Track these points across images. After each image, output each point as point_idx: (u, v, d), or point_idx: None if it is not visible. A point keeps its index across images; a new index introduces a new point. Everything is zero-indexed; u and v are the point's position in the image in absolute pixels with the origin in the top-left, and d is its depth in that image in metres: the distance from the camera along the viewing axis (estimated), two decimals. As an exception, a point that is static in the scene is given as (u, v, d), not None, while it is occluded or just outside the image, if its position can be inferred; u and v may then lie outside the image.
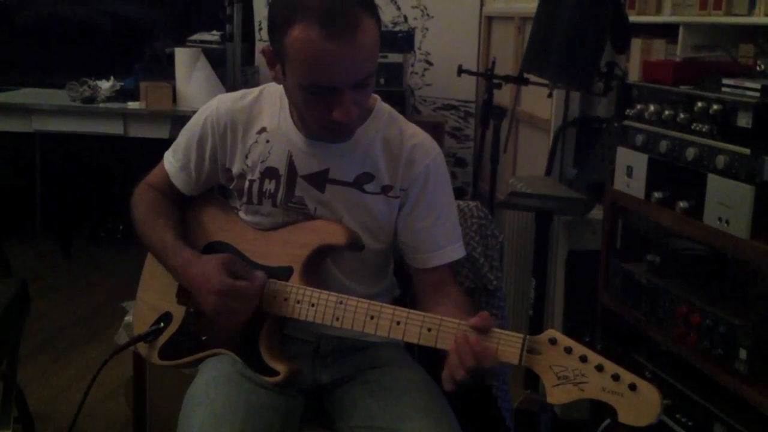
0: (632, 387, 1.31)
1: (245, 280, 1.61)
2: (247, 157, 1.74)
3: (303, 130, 1.70)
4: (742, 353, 1.85)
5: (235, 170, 1.76)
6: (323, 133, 1.64)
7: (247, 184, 1.74)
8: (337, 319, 1.57)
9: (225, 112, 1.75)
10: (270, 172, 1.72)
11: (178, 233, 1.77)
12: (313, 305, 1.60)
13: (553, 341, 1.38)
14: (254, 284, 1.61)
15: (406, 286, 1.90)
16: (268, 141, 1.72)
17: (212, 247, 1.79)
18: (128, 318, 2.43)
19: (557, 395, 1.36)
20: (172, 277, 1.76)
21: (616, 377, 1.32)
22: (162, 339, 1.80)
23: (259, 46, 5.08)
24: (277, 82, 1.61)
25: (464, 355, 1.41)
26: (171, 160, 1.85)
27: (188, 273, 1.67)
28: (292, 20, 1.46)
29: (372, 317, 1.54)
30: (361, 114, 1.62)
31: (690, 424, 2.07)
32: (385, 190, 1.70)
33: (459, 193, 4.74)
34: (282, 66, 1.55)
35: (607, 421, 2.21)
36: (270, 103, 1.75)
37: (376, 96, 1.76)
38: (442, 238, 1.73)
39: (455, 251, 1.75)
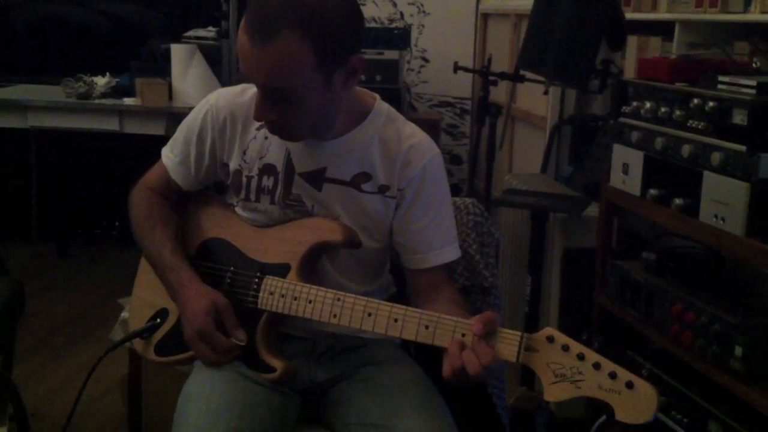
0: (629, 385, 1.31)
1: (226, 334, 1.64)
2: (245, 153, 1.74)
3: None
4: (738, 351, 1.85)
5: (232, 166, 1.76)
6: None
7: (244, 180, 1.74)
8: (335, 316, 1.57)
9: (224, 107, 1.75)
10: (268, 169, 1.72)
11: (176, 246, 1.76)
12: (310, 302, 1.60)
13: (550, 339, 1.38)
14: (230, 342, 1.64)
15: (402, 283, 1.90)
16: (266, 137, 1.72)
17: (209, 244, 1.79)
18: (124, 314, 2.43)
19: (554, 393, 1.37)
20: (165, 289, 1.77)
21: (613, 375, 1.33)
22: (158, 335, 1.80)
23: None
24: None
25: (468, 361, 1.41)
26: (169, 155, 1.84)
27: (181, 295, 1.69)
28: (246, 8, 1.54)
29: (369, 314, 1.54)
30: (291, 129, 1.62)
31: (685, 421, 2.07)
32: (382, 189, 1.70)
33: (455, 191, 4.75)
34: None
35: (603, 418, 2.21)
36: (269, 99, 1.75)
37: (375, 95, 1.76)
38: (437, 240, 1.73)
39: (450, 253, 1.75)
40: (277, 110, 1.56)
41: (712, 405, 2.00)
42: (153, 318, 1.81)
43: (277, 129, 1.63)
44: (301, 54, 1.49)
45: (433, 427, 1.57)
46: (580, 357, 1.35)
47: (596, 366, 1.34)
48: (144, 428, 2.47)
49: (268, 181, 1.72)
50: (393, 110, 1.76)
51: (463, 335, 1.45)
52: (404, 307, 1.52)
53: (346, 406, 1.68)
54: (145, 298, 1.86)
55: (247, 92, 1.76)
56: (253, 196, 1.74)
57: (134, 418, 2.49)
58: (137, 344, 1.84)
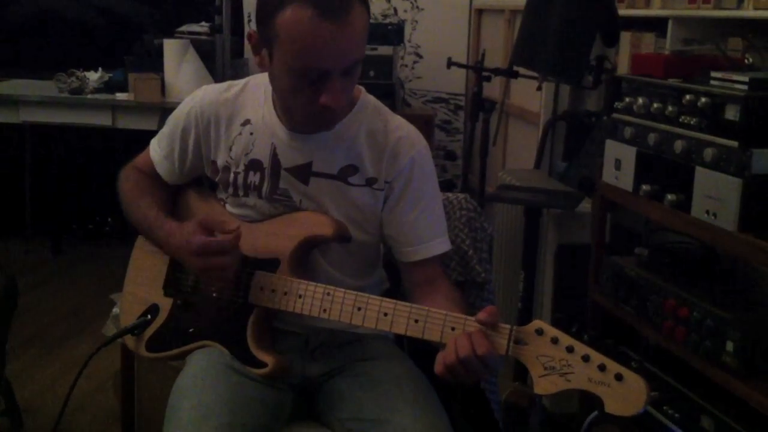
0: (618, 377, 1.31)
1: (221, 233, 1.63)
2: (231, 149, 1.74)
3: (286, 123, 1.69)
4: (730, 346, 1.86)
5: (220, 162, 1.76)
6: (308, 121, 1.63)
7: (232, 176, 1.74)
8: (325, 311, 1.57)
9: (209, 104, 1.75)
10: (254, 165, 1.72)
11: (162, 208, 1.78)
12: (300, 297, 1.60)
13: (539, 332, 1.38)
14: (229, 237, 1.62)
15: (395, 279, 1.90)
16: (251, 133, 1.72)
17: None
18: (116, 310, 2.42)
19: (543, 386, 1.36)
20: (163, 251, 1.77)
21: (602, 368, 1.32)
22: (149, 331, 1.80)
23: (249, 38, 5.07)
24: (262, 68, 1.61)
25: (461, 345, 1.41)
26: (156, 149, 1.85)
27: (172, 244, 1.70)
28: (285, 2, 1.47)
29: (359, 308, 1.54)
30: (347, 103, 1.62)
31: (677, 416, 2.08)
32: (370, 182, 1.70)
33: (449, 186, 4.75)
34: (269, 50, 1.54)
35: (595, 413, 2.22)
36: (254, 95, 1.75)
37: (361, 87, 1.75)
38: (426, 232, 1.72)
39: (440, 245, 1.74)
40: (347, 89, 1.57)
41: (705, 400, 2.00)
42: (144, 314, 1.81)
43: (338, 113, 1.62)
44: (367, 21, 1.53)
45: (427, 422, 1.57)
46: (569, 349, 1.35)
47: (585, 358, 1.34)
48: (137, 423, 2.46)
49: (254, 177, 1.72)
50: (379, 102, 1.76)
51: (453, 329, 1.45)
52: (394, 301, 1.52)
53: (340, 401, 1.68)
54: (136, 294, 1.86)
55: (231, 89, 1.76)
56: (241, 192, 1.74)
57: (127, 413, 2.49)
58: (128, 341, 1.84)
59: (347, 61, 1.52)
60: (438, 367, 1.44)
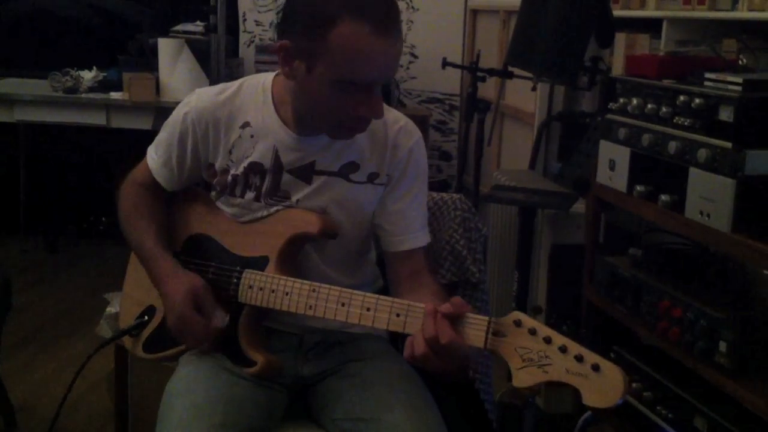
0: (596, 368, 1.27)
1: (205, 317, 1.64)
2: (230, 152, 1.73)
3: (291, 125, 1.69)
4: (723, 346, 1.86)
5: (218, 165, 1.75)
6: (338, 130, 1.64)
7: (230, 178, 1.73)
8: (310, 308, 1.57)
9: (205, 108, 1.74)
10: (254, 167, 1.71)
11: (159, 237, 1.77)
12: (287, 294, 1.60)
13: (518, 323, 1.35)
14: (209, 325, 1.64)
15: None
16: (252, 136, 1.71)
17: (194, 240, 1.78)
18: (109, 309, 2.42)
19: (522, 378, 1.33)
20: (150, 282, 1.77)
21: (579, 358, 1.29)
22: (146, 332, 1.80)
23: (244, 37, 5.06)
24: (289, 77, 1.60)
25: (426, 327, 1.41)
26: (153, 156, 1.83)
27: (161, 286, 1.70)
28: (338, 17, 1.49)
29: (343, 304, 1.54)
30: None
31: (671, 416, 2.08)
32: (372, 177, 1.71)
33: (443, 187, 4.75)
34: (309, 63, 1.54)
35: (588, 413, 2.22)
36: (251, 97, 1.74)
37: None
38: (415, 222, 1.74)
39: (425, 236, 1.77)
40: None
41: (698, 400, 2.01)
42: (141, 315, 1.81)
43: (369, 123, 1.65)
44: None
45: (420, 422, 1.57)
46: (547, 340, 1.32)
47: (562, 349, 1.30)
48: (130, 423, 2.46)
49: (254, 179, 1.72)
50: None
51: None
52: (376, 296, 1.52)
53: (333, 401, 1.68)
54: (133, 295, 1.87)
55: (226, 91, 1.75)
56: (238, 193, 1.74)
57: (121, 413, 2.49)
58: (126, 341, 1.85)
59: (391, 74, 1.58)
60: (406, 351, 1.43)
